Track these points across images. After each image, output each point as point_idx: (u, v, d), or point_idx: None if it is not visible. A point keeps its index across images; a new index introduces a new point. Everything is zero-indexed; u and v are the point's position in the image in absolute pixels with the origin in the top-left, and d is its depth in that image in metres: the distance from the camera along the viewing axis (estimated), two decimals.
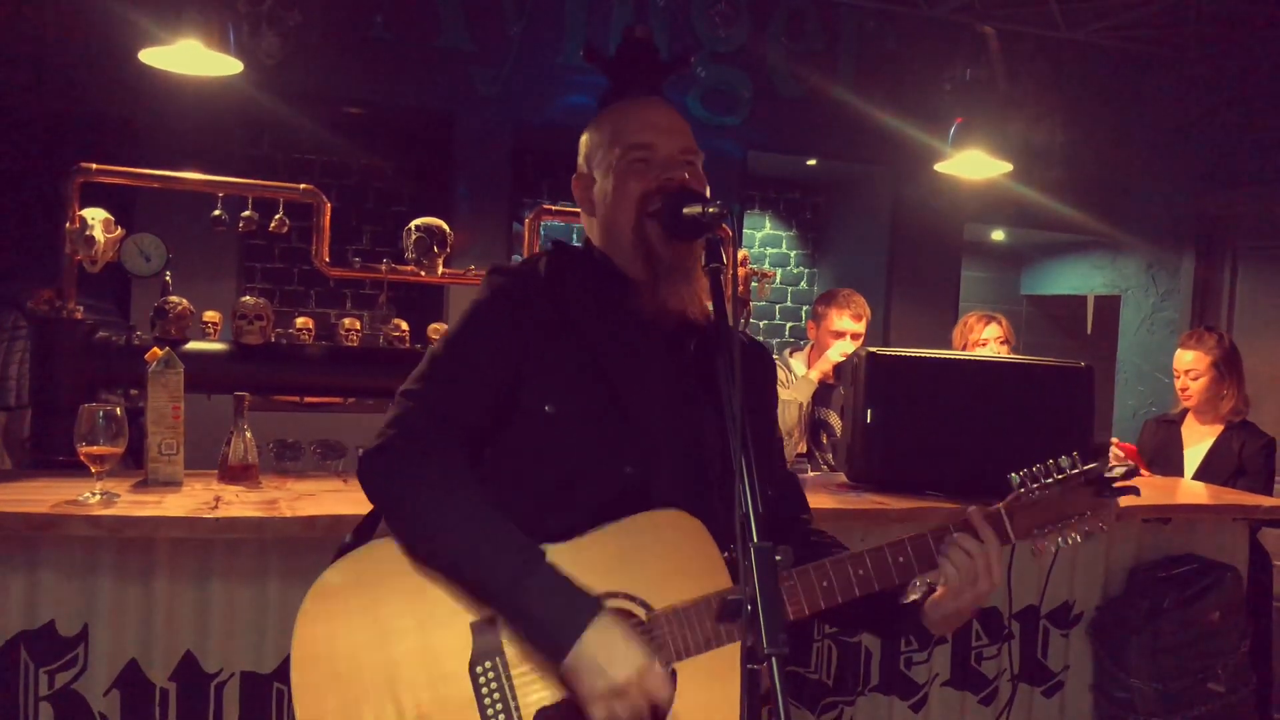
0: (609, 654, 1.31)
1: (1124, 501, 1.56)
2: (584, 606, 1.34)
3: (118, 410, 2.13)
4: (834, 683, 2.58)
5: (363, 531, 1.49)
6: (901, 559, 1.47)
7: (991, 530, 1.48)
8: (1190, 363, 3.77)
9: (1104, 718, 2.86)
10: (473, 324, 1.50)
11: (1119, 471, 1.53)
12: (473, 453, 1.49)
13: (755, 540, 1.15)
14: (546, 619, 1.33)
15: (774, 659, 1.08)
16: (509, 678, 1.36)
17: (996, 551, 1.47)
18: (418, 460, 1.41)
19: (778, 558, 1.14)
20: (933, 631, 1.52)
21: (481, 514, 1.39)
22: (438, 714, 1.35)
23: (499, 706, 1.36)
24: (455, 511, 1.38)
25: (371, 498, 1.45)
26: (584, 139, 1.61)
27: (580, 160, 1.61)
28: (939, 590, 1.48)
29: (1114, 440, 3.78)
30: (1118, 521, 2.73)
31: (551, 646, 1.33)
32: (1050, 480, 1.51)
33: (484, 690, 1.36)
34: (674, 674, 1.38)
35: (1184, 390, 3.79)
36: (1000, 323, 4.18)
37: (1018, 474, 1.52)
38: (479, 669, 1.37)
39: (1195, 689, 2.75)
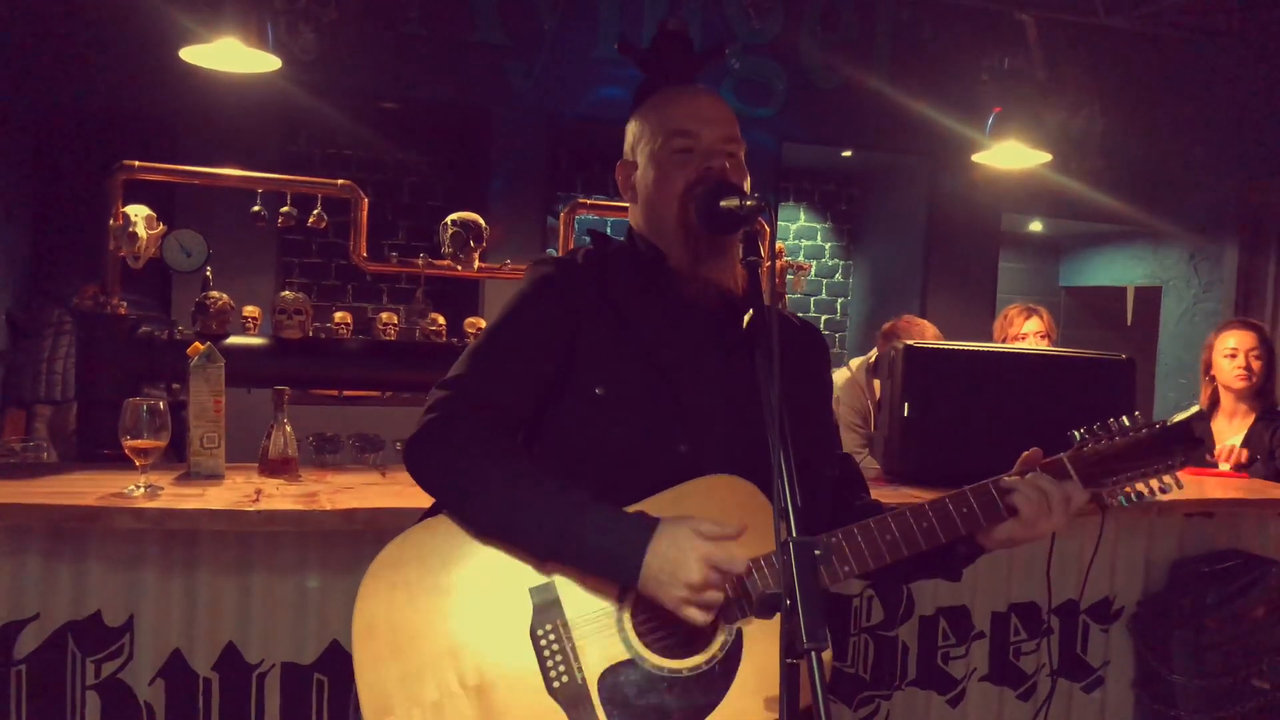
0: (677, 560, 1.30)
1: (1166, 498, 1.49)
2: (640, 526, 1.34)
3: (161, 404, 2.16)
4: (871, 677, 2.56)
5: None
6: (965, 510, 1.45)
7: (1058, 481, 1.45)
8: (1256, 341, 3.68)
9: (1145, 714, 2.82)
10: (514, 313, 1.52)
11: (1189, 414, 1.45)
12: (516, 437, 1.50)
13: (794, 534, 1.14)
14: (608, 548, 1.34)
15: (814, 654, 1.08)
16: (570, 640, 1.37)
17: (1066, 494, 1.45)
18: (457, 436, 1.43)
19: (816, 551, 1.13)
20: (986, 548, 1.49)
21: (525, 472, 1.40)
22: (500, 680, 1.35)
23: (562, 669, 1.36)
24: (499, 475, 1.39)
25: (418, 479, 1.46)
26: (630, 125, 1.62)
27: (626, 146, 1.63)
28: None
29: None
30: (1159, 516, 2.72)
31: (620, 572, 1.34)
32: (1113, 433, 1.47)
33: (546, 654, 1.36)
34: (740, 633, 1.38)
35: (1244, 369, 3.68)
36: (1041, 316, 4.11)
37: (1079, 430, 1.48)
38: (540, 632, 1.37)
39: (1239, 686, 2.71)
